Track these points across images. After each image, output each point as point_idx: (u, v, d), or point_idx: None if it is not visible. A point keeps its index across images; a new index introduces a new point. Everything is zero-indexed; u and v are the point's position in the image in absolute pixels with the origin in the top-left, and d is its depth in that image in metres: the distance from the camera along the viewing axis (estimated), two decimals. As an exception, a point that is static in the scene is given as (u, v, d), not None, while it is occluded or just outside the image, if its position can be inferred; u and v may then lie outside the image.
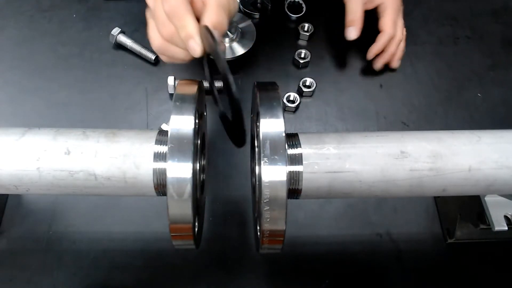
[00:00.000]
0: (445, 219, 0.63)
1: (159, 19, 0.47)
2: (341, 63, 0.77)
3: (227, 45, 0.71)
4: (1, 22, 0.79)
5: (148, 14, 0.51)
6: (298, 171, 0.41)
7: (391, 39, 0.73)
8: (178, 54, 0.47)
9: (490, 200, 0.54)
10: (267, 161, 0.38)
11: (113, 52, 0.76)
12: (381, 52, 0.74)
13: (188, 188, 0.37)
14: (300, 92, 0.72)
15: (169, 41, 0.47)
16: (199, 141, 0.47)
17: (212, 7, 0.45)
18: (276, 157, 0.38)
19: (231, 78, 0.40)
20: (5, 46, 0.77)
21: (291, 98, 0.71)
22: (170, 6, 0.44)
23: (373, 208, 0.64)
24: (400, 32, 0.74)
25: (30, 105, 0.71)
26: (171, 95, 0.72)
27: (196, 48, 0.44)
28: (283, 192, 0.38)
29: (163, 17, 0.46)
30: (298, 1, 0.81)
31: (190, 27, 0.44)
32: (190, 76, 0.74)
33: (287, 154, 0.41)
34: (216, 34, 0.44)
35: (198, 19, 0.46)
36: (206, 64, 0.45)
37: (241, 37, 0.72)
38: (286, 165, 0.38)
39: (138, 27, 0.79)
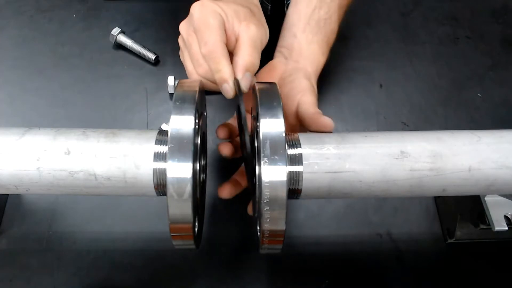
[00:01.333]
0: (445, 219, 0.63)
1: (194, 56, 0.48)
2: (341, 63, 0.77)
3: None
4: (1, 22, 0.79)
5: (181, 43, 0.52)
6: (298, 171, 0.41)
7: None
8: (214, 88, 0.49)
9: (490, 200, 0.54)
10: (267, 161, 0.38)
11: (113, 52, 0.76)
12: None
13: (188, 188, 0.37)
14: (300, 92, 0.72)
15: (204, 78, 0.48)
16: (199, 141, 0.47)
17: (246, 47, 0.46)
18: (276, 157, 0.38)
19: (247, 134, 0.43)
20: (5, 46, 0.77)
21: (291, 98, 0.71)
22: (207, 50, 0.45)
23: (373, 208, 0.64)
24: None
25: (30, 105, 0.71)
26: (171, 95, 0.72)
27: (229, 92, 0.46)
28: (283, 192, 0.38)
29: (198, 56, 0.47)
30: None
31: (225, 72, 0.45)
32: (190, 76, 0.74)
33: (287, 154, 0.41)
34: (248, 77, 0.45)
35: (231, 54, 0.47)
36: (242, 104, 0.45)
37: None
38: (286, 165, 0.38)
39: (138, 27, 0.79)
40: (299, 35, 0.56)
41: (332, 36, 0.58)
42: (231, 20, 0.47)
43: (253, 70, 0.46)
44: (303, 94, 0.52)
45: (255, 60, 0.47)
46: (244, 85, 0.45)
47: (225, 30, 0.47)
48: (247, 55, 0.46)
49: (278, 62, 0.57)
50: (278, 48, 0.58)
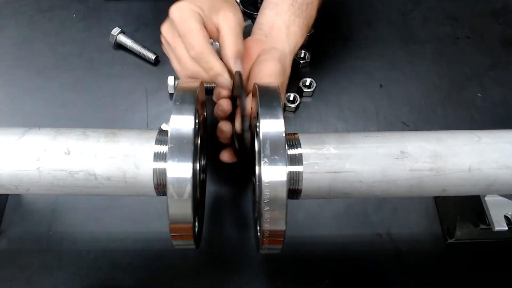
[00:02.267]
0: (445, 219, 0.63)
1: (181, 60, 0.51)
2: (341, 63, 0.77)
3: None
4: (1, 22, 0.79)
5: (165, 42, 0.54)
6: (298, 171, 0.41)
7: None
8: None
9: (490, 200, 0.54)
10: (267, 161, 0.38)
11: (113, 52, 0.76)
12: None
13: (188, 188, 0.37)
14: (300, 92, 0.72)
15: (195, 77, 0.51)
16: (199, 141, 0.47)
17: (229, 37, 0.49)
18: (276, 157, 0.38)
19: (246, 124, 0.44)
20: (5, 46, 0.77)
21: (291, 98, 0.71)
22: (195, 53, 0.48)
23: (373, 208, 0.64)
24: None
25: (30, 105, 0.71)
26: (171, 95, 0.72)
27: (226, 83, 0.48)
28: (283, 192, 0.38)
29: (186, 59, 0.50)
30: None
31: (217, 68, 0.48)
32: (190, 76, 0.74)
33: (287, 154, 0.41)
34: (239, 63, 0.48)
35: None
36: (244, 96, 0.46)
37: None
38: (286, 165, 0.38)
39: (138, 27, 0.79)
40: (282, 15, 0.58)
41: (311, 21, 0.61)
42: (208, 14, 0.49)
43: (240, 55, 0.50)
44: (268, 79, 0.54)
45: (240, 46, 0.50)
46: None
47: (205, 25, 0.49)
48: (233, 45, 0.49)
49: (254, 43, 0.57)
50: (257, 25, 0.59)
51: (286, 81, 0.57)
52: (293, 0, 0.58)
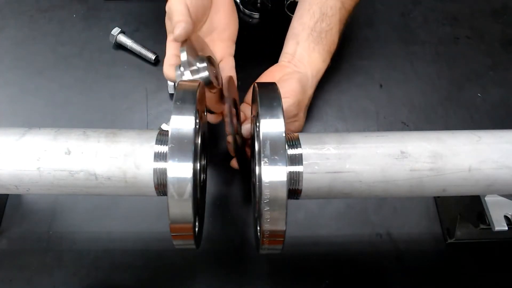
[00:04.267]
0: (445, 219, 0.63)
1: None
2: (341, 63, 0.77)
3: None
4: (1, 22, 0.79)
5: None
6: (298, 172, 0.41)
7: None
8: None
9: (490, 200, 0.54)
10: (267, 161, 0.38)
11: (113, 52, 0.76)
12: None
13: (189, 188, 0.37)
14: (300, 92, 0.72)
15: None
16: (199, 141, 0.47)
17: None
18: (276, 157, 0.38)
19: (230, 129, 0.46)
20: (5, 46, 0.77)
21: (291, 98, 0.71)
22: (167, 7, 0.54)
23: (373, 208, 0.64)
24: None
25: (30, 105, 0.71)
26: (171, 95, 0.72)
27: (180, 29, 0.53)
28: (283, 193, 0.38)
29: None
30: (298, 1, 0.81)
31: (176, 14, 0.53)
32: (190, 76, 0.74)
33: (287, 154, 0.41)
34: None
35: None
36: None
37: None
38: (286, 166, 0.38)
39: (138, 27, 0.79)
40: (302, 43, 0.61)
41: (333, 46, 0.63)
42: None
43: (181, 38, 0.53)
44: (283, 97, 0.55)
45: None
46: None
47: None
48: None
49: (278, 68, 0.61)
50: (282, 55, 0.63)
51: (306, 101, 0.60)
52: (311, 29, 0.61)
